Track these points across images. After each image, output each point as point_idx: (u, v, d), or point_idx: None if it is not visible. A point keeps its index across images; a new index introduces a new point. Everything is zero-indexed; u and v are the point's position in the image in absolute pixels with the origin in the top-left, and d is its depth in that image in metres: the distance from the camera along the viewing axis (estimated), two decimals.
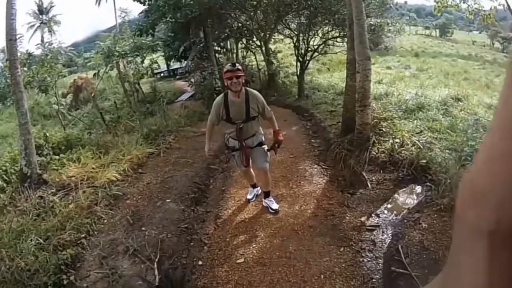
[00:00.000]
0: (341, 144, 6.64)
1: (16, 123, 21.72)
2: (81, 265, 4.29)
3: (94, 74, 18.71)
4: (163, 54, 21.68)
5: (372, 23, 13.66)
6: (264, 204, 5.20)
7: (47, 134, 9.00)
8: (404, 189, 5.14)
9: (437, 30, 59.00)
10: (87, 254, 4.46)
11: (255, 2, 14.19)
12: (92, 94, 15.41)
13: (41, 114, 18.63)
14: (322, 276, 3.61)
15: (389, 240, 4.05)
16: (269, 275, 3.71)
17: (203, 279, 3.87)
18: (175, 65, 25.50)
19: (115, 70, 16.21)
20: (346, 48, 7.55)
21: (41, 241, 4.70)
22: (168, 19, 15.18)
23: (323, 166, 6.51)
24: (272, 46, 19.90)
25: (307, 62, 14.08)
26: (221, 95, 4.55)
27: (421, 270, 3.37)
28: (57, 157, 8.09)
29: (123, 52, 14.87)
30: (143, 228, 4.87)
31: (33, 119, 17.40)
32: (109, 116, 12.76)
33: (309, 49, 13.88)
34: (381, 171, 5.68)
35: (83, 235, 4.83)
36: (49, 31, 41.30)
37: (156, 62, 18.29)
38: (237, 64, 4.40)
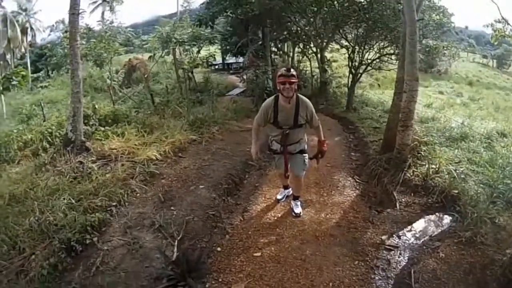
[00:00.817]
0: (378, 161, 6.69)
1: (67, 91, 22.76)
2: (106, 230, 4.65)
3: (149, 57, 19.30)
4: (219, 47, 21.99)
5: (428, 44, 13.43)
6: (290, 205, 5.31)
7: (96, 106, 9.58)
8: (430, 216, 5.11)
9: (495, 61, 56.47)
10: (114, 221, 4.84)
11: (315, 9, 14.23)
12: (146, 75, 15.97)
13: (92, 86, 19.35)
14: (331, 284, 3.72)
15: (404, 263, 4.09)
16: (281, 273, 3.88)
17: (218, 264, 4.09)
18: (230, 59, 25.64)
19: (171, 56, 16.64)
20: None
21: (73, 201, 5.10)
22: (228, 13, 15.50)
23: (357, 180, 6.57)
24: (328, 55, 19.80)
25: (359, 75, 14.06)
26: (272, 97, 4.53)
27: None
28: (102, 128, 8.65)
29: (180, 40, 15.33)
30: (172, 208, 5.19)
31: (84, 90, 18.16)
32: (158, 99, 13.16)
33: (363, 62, 13.88)
34: (412, 194, 5.67)
35: (114, 203, 5.22)
36: (110, 10, 42.72)
37: (213, 56, 18.66)
38: (291, 69, 4.32)
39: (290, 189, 5.51)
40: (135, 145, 7.48)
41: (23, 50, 34.02)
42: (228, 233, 4.74)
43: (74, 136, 7.22)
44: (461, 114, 13.30)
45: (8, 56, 32.35)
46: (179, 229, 4.60)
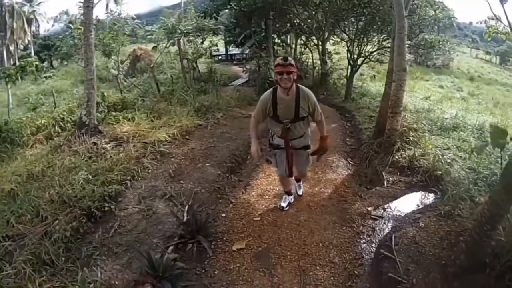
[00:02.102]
0: (370, 145, 7.22)
1: (71, 81, 22.90)
2: (122, 200, 5.19)
3: (153, 47, 19.68)
4: (223, 38, 22.28)
5: (424, 38, 13.70)
6: (294, 186, 5.36)
7: (105, 94, 10.06)
8: (414, 192, 5.64)
9: (498, 57, 56.01)
10: (129, 193, 5.37)
11: (317, 2, 14.57)
12: (151, 65, 16.33)
13: (97, 76, 19.70)
14: (320, 244, 4.27)
15: (387, 230, 4.60)
16: (277, 234, 4.45)
17: (222, 226, 4.68)
18: (233, 50, 25.56)
19: (174, 47, 16.97)
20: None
21: (90, 177, 5.58)
22: (232, 6, 15.90)
23: (350, 162, 7.10)
24: (332, 47, 20.02)
25: (357, 66, 14.44)
26: (270, 90, 4.20)
27: (405, 258, 3.90)
28: (113, 113, 9.11)
29: (185, 31, 15.72)
30: (181, 181, 5.73)
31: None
32: (164, 88, 13.53)
33: (361, 54, 14.21)
34: (399, 174, 6.21)
35: (128, 178, 5.71)
36: (115, 1, 42.82)
37: (216, 45, 18.89)
38: (289, 58, 3.95)
39: (293, 196, 5.29)
40: (145, 128, 7.95)
41: (26, 41, 34.34)
42: (232, 203, 5.30)
43: (88, 120, 7.69)
44: (458, 108, 13.62)
45: (11, 47, 32.66)
46: (188, 198, 5.16)
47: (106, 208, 4.88)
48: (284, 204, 5.12)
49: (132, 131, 7.82)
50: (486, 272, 3.37)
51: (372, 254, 4.19)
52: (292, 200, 5.26)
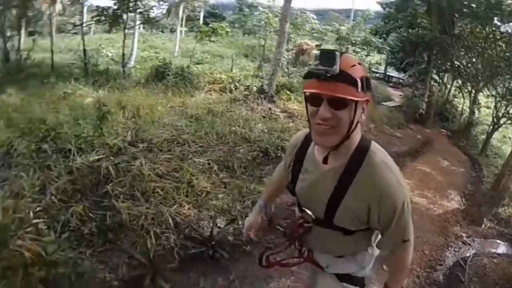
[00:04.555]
0: (485, 195, 8.51)
1: (235, 51, 25.68)
2: None
3: (316, 45, 21.26)
4: (385, 58, 22.88)
5: None
6: None
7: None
8: (502, 241, 6.84)
9: None
10: None
11: (480, 49, 14.76)
12: None
13: (261, 56, 21.92)
14: (420, 239, 5.56)
15: (468, 254, 5.87)
16: None
17: None
18: (392, 72, 24.95)
19: None
20: None
21: (266, 130, 7.26)
22: (401, 31, 17.04)
23: (463, 201, 8.21)
24: (484, 100, 19.46)
25: (499, 125, 14.53)
26: (303, 132, 1.93)
27: (472, 275, 5.32)
28: (288, 91, 10.94)
29: (354, 41, 17.37)
30: None
31: (253, 57, 21.00)
32: None
33: (505, 115, 14.15)
34: (496, 223, 7.45)
35: None
36: None
37: (380, 64, 19.86)
38: (337, 57, 1.36)
39: None
40: None
41: (196, 4, 37.39)
42: None
43: (268, 89, 9.66)
44: None
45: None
46: None
47: (278, 154, 6.45)
48: None
49: (300, 110, 9.36)
50: None
51: (451, 263, 5.62)
52: None
